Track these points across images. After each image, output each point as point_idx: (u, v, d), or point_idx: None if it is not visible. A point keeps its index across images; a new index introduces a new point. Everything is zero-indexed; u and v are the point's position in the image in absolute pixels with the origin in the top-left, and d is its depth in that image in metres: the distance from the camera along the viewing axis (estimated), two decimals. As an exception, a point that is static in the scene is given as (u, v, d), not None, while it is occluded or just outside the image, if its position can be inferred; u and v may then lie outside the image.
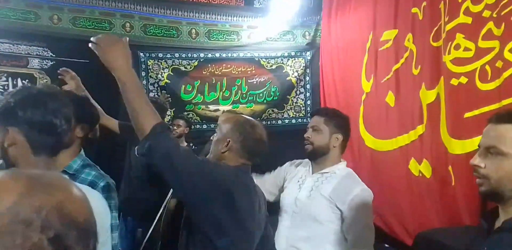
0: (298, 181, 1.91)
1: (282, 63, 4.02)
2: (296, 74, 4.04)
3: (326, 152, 1.86)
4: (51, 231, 0.52)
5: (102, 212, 1.15)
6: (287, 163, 2.08)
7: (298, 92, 4.08)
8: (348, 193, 1.78)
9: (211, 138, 1.54)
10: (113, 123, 2.35)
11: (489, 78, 2.07)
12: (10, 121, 1.02)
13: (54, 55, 3.45)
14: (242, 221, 1.38)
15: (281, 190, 2.01)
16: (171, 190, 2.25)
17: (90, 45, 1.32)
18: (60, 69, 2.08)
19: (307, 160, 1.97)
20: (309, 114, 3.63)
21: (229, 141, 1.44)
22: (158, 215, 1.89)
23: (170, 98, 3.70)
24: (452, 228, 2.10)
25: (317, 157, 1.87)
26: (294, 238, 1.82)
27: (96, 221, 0.60)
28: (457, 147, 2.18)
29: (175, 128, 3.47)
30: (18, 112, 1.01)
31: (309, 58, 4.06)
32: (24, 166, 1.00)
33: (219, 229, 1.34)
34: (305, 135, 1.89)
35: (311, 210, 1.80)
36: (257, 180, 1.80)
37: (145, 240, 1.89)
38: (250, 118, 1.59)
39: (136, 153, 1.32)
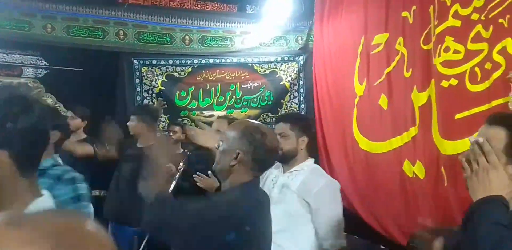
0: (272, 180, 2.01)
1: (276, 68, 4.05)
2: (289, 78, 4.07)
3: (295, 154, 1.96)
4: None
5: None
6: None
7: (292, 96, 4.11)
8: (314, 186, 1.89)
9: (216, 146, 1.40)
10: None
11: (478, 80, 2.11)
12: None
13: (48, 64, 3.46)
14: (255, 241, 1.35)
15: None
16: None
17: None
18: None
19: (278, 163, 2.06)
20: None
21: (239, 153, 1.31)
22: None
23: (166, 105, 3.72)
24: (446, 228, 2.13)
25: (288, 160, 1.98)
26: (278, 236, 1.87)
27: None
28: (449, 147, 2.21)
29: (171, 134, 3.48)
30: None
31: (302, 62, 4.09)
32: (7, 191, 0.81)
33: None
34: None
35: (282, 204, 1.87)
36: None
37: (141, 247, 1.89)
38: (259, 123, 1.50)
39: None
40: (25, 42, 3.36)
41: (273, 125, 3.99)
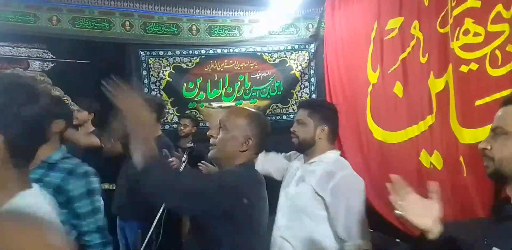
0: (293, 172, 1.89)
1: (286, 57, 3.94)
2: (300, 68, 3.96)
3: (312, 144, 1.84)
4: None
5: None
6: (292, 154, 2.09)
7: (302, 86, 4.00)
8: (329, 179, 1.71)
9: (209, 133, 1.49)
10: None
11: (499, 64, 1.99)
12: None
13: (54, 57, 3.44)
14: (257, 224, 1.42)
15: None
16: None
17: None
18: None
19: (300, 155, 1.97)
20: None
21: (251, 139, 1.42)
22: (157, 217, 1.85)
23: (171, 99, 3.64)
24: (464, 221, 2.02)
25: (304, 149, 1.86)
26: (286, 231, 1.79)
27: None
28: (468, 136, 2.09)
29: (181, 127, 3.43)
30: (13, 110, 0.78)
31: (313, 51, 3.98)
32: None
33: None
34: (291, 129, 1.89)
35: (298, 202, 1.77)
36: (269, 156, 2.00)
37: (145, 242, 1.85)
38: (255, 110, 1.58)
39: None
40: (31, 35, 3.33)
41: (283, 116, 3.98)
